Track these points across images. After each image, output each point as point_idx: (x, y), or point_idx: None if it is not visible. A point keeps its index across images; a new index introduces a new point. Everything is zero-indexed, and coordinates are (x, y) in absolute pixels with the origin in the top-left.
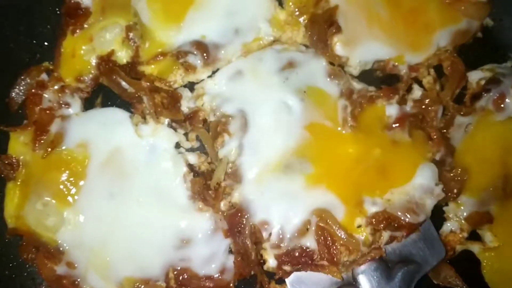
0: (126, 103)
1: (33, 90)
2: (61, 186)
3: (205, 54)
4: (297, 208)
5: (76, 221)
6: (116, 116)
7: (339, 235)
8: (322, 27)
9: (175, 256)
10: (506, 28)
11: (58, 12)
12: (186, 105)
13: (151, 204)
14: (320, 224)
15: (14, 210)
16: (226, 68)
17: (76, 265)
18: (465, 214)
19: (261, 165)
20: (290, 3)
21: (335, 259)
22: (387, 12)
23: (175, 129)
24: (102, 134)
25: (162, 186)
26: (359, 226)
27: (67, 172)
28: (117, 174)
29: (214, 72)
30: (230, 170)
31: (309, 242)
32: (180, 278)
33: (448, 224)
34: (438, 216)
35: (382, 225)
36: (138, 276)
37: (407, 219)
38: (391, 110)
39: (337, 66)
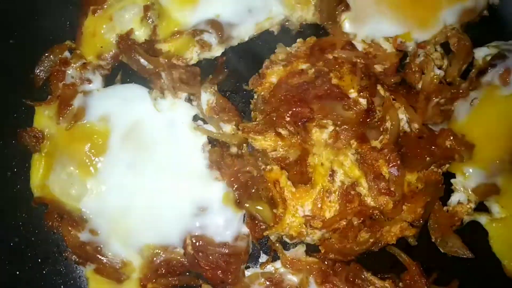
0: (145, 80)
1: (56, 67)
2: (84, 157)
3: (219, 33)
4: None
5: (98, 191)
6: (135, 91)
7: None
8: (331, 5)
9: (192, 224)
10: None
11: None
12: None
13: (170, 174)
14: None
15: (40, 180)
16: None
17: (99, 232)
18: (472, 185)
19: None
20: None
21: None
22: None
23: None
24: (122, 108)
25: (180, 157)
26: None
27: (90, 144)
28: (137, 146)
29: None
30: None
31: None
32: (197, 244)
33: (456, 196)
34: (446, 187)
35: None
36: (158, 243)
37: None
38: None
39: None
